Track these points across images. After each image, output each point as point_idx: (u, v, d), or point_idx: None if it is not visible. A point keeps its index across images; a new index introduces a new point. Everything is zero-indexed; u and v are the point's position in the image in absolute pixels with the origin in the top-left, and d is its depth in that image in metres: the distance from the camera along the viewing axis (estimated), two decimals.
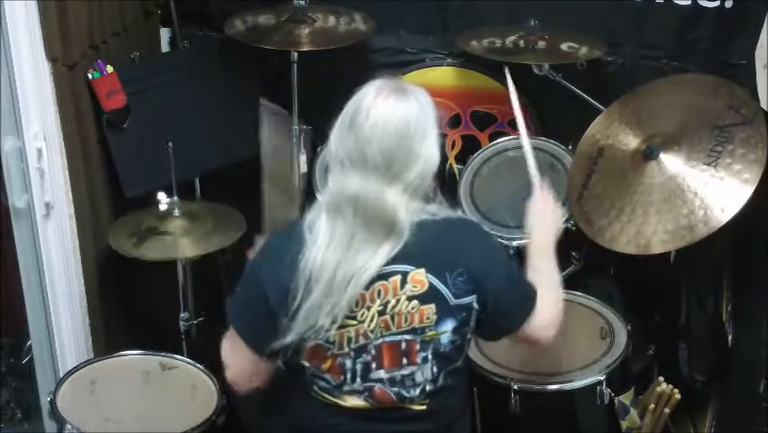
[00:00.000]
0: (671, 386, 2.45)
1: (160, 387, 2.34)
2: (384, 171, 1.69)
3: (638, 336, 2.55)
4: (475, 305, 1.79)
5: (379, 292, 1.75)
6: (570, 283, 2.67)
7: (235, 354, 1.87)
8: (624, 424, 2.41)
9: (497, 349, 2.41)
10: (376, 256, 1.72)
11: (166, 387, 2.34)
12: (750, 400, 2.47)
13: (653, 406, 2.43)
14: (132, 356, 2.43)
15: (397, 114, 1.69)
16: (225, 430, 2.30)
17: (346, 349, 1.78)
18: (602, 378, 2.29)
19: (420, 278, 1.75)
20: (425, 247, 1.74)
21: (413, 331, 1.77)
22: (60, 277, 2.50)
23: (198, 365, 2.38)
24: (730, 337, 2.70)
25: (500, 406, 2.28)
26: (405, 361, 1.80)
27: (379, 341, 1.78)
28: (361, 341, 1.78)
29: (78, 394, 2.29)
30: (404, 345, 1.78)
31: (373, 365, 1.80)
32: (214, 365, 2.36)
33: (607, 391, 2.29)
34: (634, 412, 2.42)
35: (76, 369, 2.36)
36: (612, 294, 2.80)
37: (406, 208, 1.72)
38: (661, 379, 2.47)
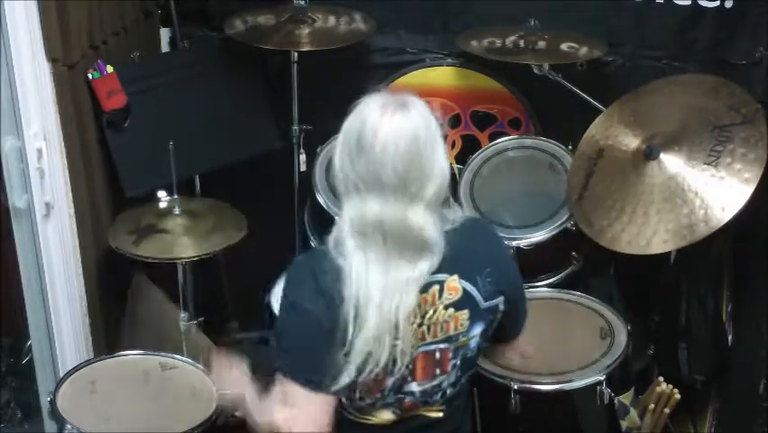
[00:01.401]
0: (671, 386, 2.45)
1: (159, 387, 2.34)
2: (402, 192, 1.64)
3: (638, 336, 2.55)
4: (501, 306, 1.78)
5: (419, 305, 1.70)
6: (570, 283, 2.68)
7: (301, 409, 1.70)
8: (624, 424, 2.41)
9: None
10: (415, 275, 1.66)
11: (166, 387, 2.34)
12: (750, 400, 2.47)
13: (653, 406, 2.43)
14: (132, 356, 2.42)
15: (405, 131, 1.63)
16: (225, 430, 2.30)
17: (390, 369, 1.71)
18: (602, 378, 2.28)
19: (454, 284, 1.72)
20: (453, 253, 1.71)
21: (448, 340, 1.75)
22: (60, 277, 2.50)
23: (198, 365, 2.38)
24: (730, 337, 2.70)
25: (500, 406, 2.28)
26: (437, 371, 1.77)
27: (415, 353, 1.74)
28: (406, 359, 1.71)
29: (78, 394, 2.28)
30: (438, 354, 1.76)
31: (408, 378, 1.76)
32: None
33: (607, 391, 2.29)
34: (634, 412, 2.42)
35: (76, 369, 2.36)
36: (612, 294, 2.80)
37: (431, 224, 1.67)
38: (661, 379, 2.47)
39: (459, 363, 1.79)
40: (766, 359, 2.40)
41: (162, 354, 2.42)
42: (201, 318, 2.76)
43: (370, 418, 1.81)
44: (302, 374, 1.69)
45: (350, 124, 1.66)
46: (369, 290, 1.64)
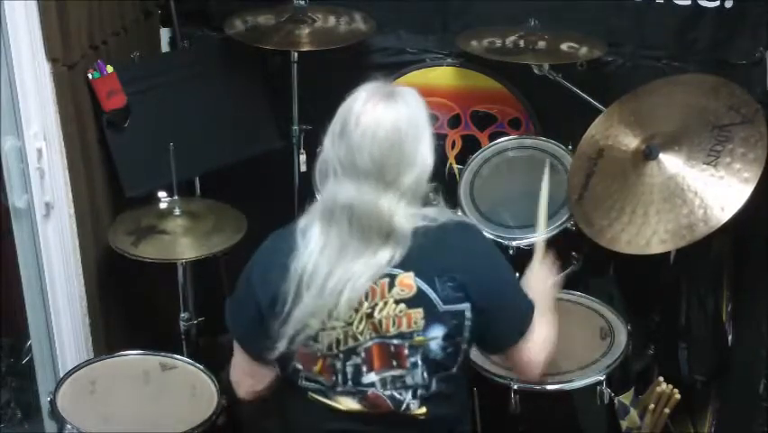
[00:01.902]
0: (671, 386, 2.44)
1: (159, 387, 2.34)
2: (377, 178, 1.68)
3: (638, 336, 2.55)
4: (468, 313, 1.76)
5: (367, 295, 1.73)
6: (570, 283, 2.68)
7: (235, 359, 1.90)
8: (624, 424, 2.41)
9: None
10: (372, 261, 1.71)
11: (166, 387, 2.34)
12: (750, 400, 2.47)
13: (653, 406, 2.43)
14: (132, 356, 2.43)
15: (386, 120, 1.68)
16: (225, 430, 2.30)
17: (335, 351, 1.77)
18: (602, 378, 2.28)
19: (408, 281, 1.73)
20: (416, 252, 1.72)
21: (401, 336, 1.76)
22: (60, 277, 2.50)
23: (198, 365, 2.38)
24: (730, 337, 2.70)
25: (500, 406, 2.28)
26: (394, 363, 1.78)
27: (369, 344, 1.77)
28: (351, 343, 1.77)
29: (78, 394, 2.28)
30: (392, 348, 1.77)
31: (364, 368, 1.78)
32: (214, 365, 2.37)
33: (607, 391, 2.29)
34: (634, 412, 2.42)
35: (76, 369, 2.36)
36: (612, 294, 2.80)
37: (403, 214, 1.71)
38: (661, 379, 2.47)
39: (420, 362, 1.77)
40: (766, 359, 2.40)
41: (162, 354, 2.42)
42: (201, 318, 2.76)
43: (335, 403, 1.82)
44: (238, 332, 1.87)
45: (339, 110, 1.73)
46: (316, 269, 1.71)
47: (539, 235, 2.37)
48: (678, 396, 2.44)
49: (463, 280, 1.74)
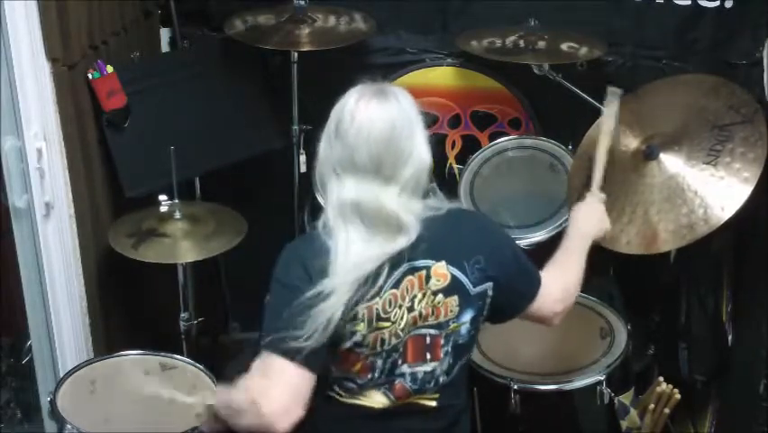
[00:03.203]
0: (671, 386, 2.45)
1: (159, 387, 2.34)
2: (375, 175, 1.72)
3: (638, 336, 2.55)
4: (490, 292, 1.82)
5: (407, 289, 1.76)
6: None
7: (273, 380, 1.70)
8: (624, 424, 2.41)
9: (497, 349, 2.41)
10: (389, 249, 1.73)
11: (166, 387, 2.34)
12: (750, 400, 2.47)
13: (653, 406, 2.43)
14: (132, 356, 2.42)
15: (380, 117, 1.72)
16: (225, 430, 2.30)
17: (379, 349, 1.79)
18: (602, 378, 2.29)
19: (442, 271, 1.77)
20: (440, 240, 1.76)
21: (438, 326, 1.80)
22: (60, 277, 2.50)
23: (198, 365, 2.38)
24: (730, 337, 2.70)
25: (500, 406, 2.28)
26: (428, 356, 1.81)
27: (407, 337, 1.80)
28: (394, 341, 1.79)
29: (78, 394, 2.28)
30: (428, 339, 1.80)
31: (399, 361, 1.81)
32: (214, 365, 2.37)
33: (607, 391, 2.29)
34: (634, 412, 2.42)
35: (76, 369, 2.36)
36: (612, 294, 2.80)
37: (406, 209, 1.74)
38: (661, 379, 2.47)
39: (450, 349, 1.82)
40: (766, 359, 2.40)
41: (162, 354, 2.42)
42: (201, 319, 2.76)
43: (360, 398, 1.83)
44: (281, 345, 1.69)
45: (333, 111, 1.76)
46: (348, 264, 1.70)
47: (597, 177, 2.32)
48: (678, 396, 2.44)
49: (485, 260, 1.79)
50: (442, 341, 1.81)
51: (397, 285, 1.75)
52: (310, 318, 1.68)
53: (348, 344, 1.77)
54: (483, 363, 2.35)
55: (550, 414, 2.35)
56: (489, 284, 1.81)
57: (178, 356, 2.43)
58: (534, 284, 1.91)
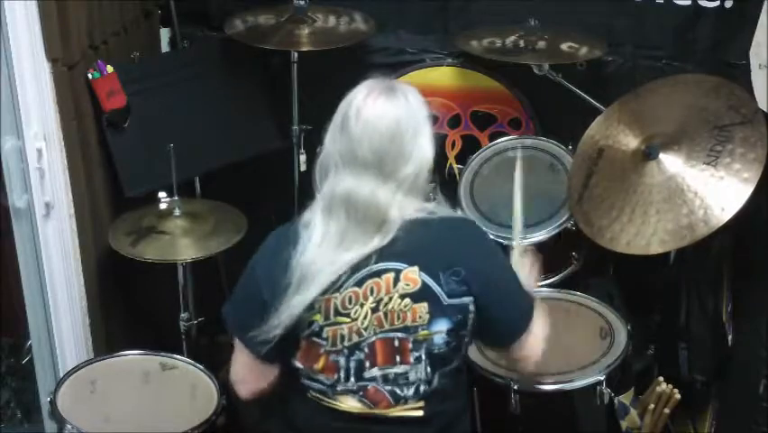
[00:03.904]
0: (671, 386, 2.45)
1: (159, 387, 2.34)
2: (376, 170, 1.72)
3: (638, 336, 2.55)
4: (471, 307, 1.78)
5: (372, 289, 1.76)
6: (570, 283, 2.68)
7: (237, 358, 1.89)
8: (624, 424, 2.41)
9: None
10: (362, 251, 1.74)
11: (166, 387, 2.34)
12: (750, 400, 2.47)
13: (653, 406, 2.43)
14: (132, 356, 2.43)
15: (387, 114, 1.72)
16: (225, 430, 2.30)
17: (339, 346, 1.79)
18: (602, 378, 2.28)
19: (413, 276, 1.75)
20: (418, 245, 1.75)
21: (405, 330, 1.78)
22: (60, 277, 2.50)
23: (198, 365, 2.38)
24: (730, 337, 2.70)
25: (500, 406, 2.28)
26: (398, 359, 1.79)
27: (373, 339, 1.79)
28: (355, 339, 1.78)
29: (78, 394, 2.28)
30: (396, 342, 1.78)
31: (367, 363, 1.80)
32: (214, 365, 2.37)
33: (607, 391, 2.29)
34: (634, 412, 2.42)
35: (76, 369, 2.36)
36: (612, 294, 2.80)
37: (399, 206, 1.74)
38: (661, 379, 2.47)
39: (424, 356, 1.79)
40: (766, 359, 2.40)
41: (162, 354, 2.42)
42: (201, 319, 2.76)
43: (335, 402, 1.83)
44: (238, 327, 1.86)
45: (340, 105, 1.76)
46: (315, 260, 1.74)
47: (516, 235, 2.29)
48: (678, 396, 2.44)
49: (467, 274, 1.76)
50: (410, 345, 1.78)
51: (359, 284, 1.75)
52: (268, 315, 1.76)
53: (306, 332, 1.79)
54: (483, 363, 2.35)
55: (550, 414, 2.35)
56: (470, 299, 1.77)
57: (178, 356, 2.43)
58: (525, 319, 1.84)
